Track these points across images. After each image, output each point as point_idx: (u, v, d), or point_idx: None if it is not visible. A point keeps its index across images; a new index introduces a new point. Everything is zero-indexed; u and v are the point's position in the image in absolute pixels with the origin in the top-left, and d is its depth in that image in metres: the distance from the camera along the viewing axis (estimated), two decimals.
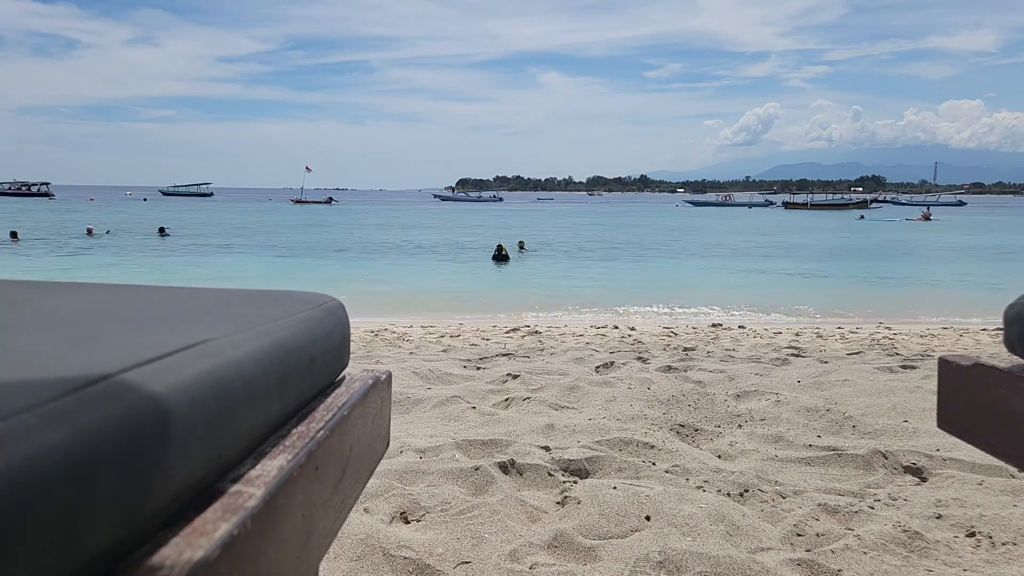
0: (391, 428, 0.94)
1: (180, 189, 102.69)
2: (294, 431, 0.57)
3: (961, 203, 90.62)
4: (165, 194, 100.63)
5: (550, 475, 2.41)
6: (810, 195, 72.19)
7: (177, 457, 0.39)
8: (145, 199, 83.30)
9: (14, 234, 23.62)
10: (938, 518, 2.12)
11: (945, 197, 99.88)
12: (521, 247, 21.19)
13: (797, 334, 6.92)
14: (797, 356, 5.00)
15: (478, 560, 1.84)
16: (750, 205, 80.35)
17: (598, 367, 4.36)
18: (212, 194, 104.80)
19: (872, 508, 2.17)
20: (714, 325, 7.92)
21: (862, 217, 50.98)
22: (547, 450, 2.64)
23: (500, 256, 18.39)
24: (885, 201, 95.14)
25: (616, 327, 7.57)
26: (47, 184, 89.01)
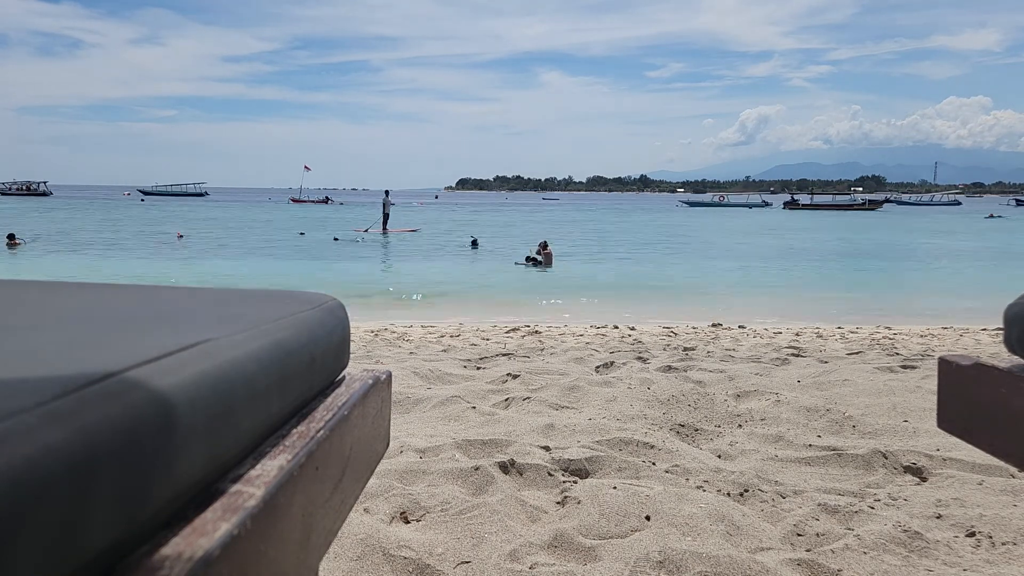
0: (391, 428, 0.94)
1: (168, 188, 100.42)
2: (294, 431, 0.57)
3: (956, 202, 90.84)
4: (147, 194, 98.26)
5: (550, 475, 2.41)
6: (810, 195, 72.61)
7: (177, 457, 0.39)
8: (143, 199, 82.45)
9: None
10: (938, 518, 2.12)
11: (938, 197, 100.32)
12: (474, 244, 21.52)
13: (797, 334, 6.92)
14: (797, 356, 5.00)
15: (478, 560, 1.84)
16: (749, 206, 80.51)
17: (598, 367, 4.36)
18: (206, 194, 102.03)
19: (872, 508, 2.17)
20: (714, 325, 7.91)
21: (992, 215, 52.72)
22: (547, 450, 2.64)
23: (534, 258, 16.89)
24: (890, 201, 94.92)
25: (616, 327, 7.57)
26: (45, 183, 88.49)
